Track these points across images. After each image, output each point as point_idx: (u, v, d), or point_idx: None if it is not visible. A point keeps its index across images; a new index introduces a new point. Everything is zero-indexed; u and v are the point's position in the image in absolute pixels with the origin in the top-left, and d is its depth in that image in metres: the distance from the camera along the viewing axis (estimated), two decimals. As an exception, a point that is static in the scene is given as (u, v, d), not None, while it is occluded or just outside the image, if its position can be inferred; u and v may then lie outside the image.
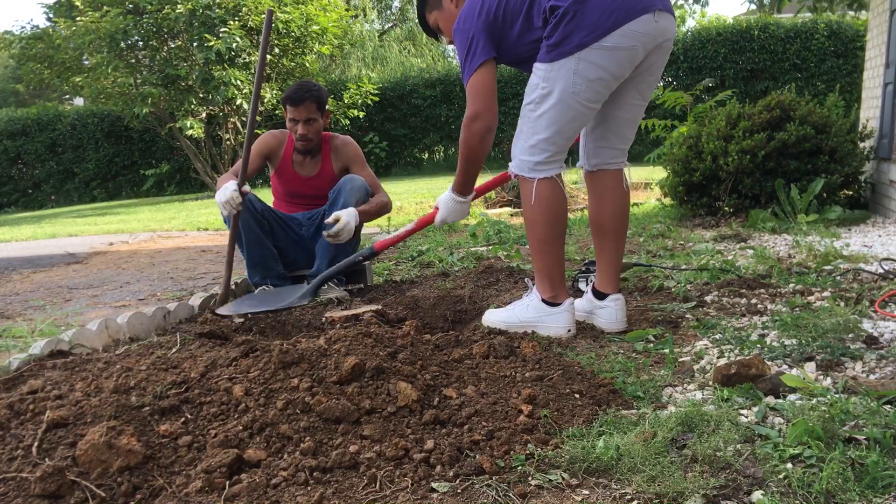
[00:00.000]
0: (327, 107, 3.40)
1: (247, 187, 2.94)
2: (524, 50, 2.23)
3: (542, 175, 2.22)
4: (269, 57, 11.14)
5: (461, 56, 2.26)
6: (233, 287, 3.26)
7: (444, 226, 5.45)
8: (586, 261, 3.25)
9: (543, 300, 2.30)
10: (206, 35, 10.15)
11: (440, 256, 4.00)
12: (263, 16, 10.56)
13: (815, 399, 1.57)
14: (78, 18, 10.41)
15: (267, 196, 3.58)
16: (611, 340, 2.25)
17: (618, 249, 2.42)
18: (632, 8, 2.06)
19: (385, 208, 3.35)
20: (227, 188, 2.89)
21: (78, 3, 10.50)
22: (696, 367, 1.91)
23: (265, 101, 11.32)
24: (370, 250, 2.80)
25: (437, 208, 2.56)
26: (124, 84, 10.93)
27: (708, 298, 2.66)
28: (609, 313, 2.36)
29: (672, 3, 2.23)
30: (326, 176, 3.42)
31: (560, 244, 2.29)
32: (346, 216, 3.04)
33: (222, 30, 10.20)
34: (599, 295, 2.40)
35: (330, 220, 3.04)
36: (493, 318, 2.39)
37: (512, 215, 6.51)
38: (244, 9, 10.51)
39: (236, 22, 10.30)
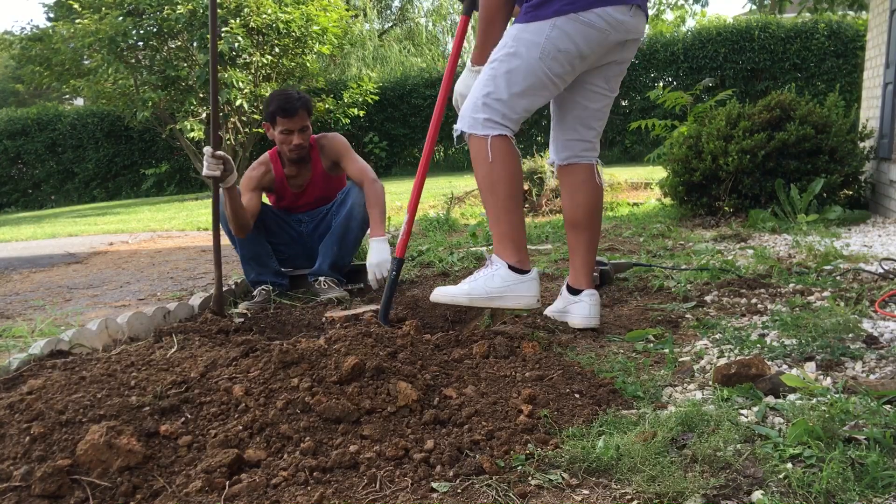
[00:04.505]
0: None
1: (220, 152, 2.63)
2: None
3: (496, 132, 2.14)
4: (269, 57, 11.14)
5: None
6: (233, 287, 3.27)
7: (445, 225, 5.48)
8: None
9: (511, 266, 2.17)
10: (208, 37, 10.14)
11: (440, 256, 4.00)
12: (265, 17, 10.60)
13: (815, 399, 1.57)
14: (77, 21, 10.41)
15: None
16: (611, 340, 2.24)
17: (591, 245, 2.40)
18: None
19: (382, 197, 3.22)
20: (204, 159, 2.63)
21: (76, 6, 10.49)
22: (696, 367, 1.91)
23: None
24: (398, 263, 2.50)
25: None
26: (124, 85, 10.93)
27: (708, 298, 2.66)
28: (582, 308, 2.33)
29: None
30: (318, 178, 3.36)
31: (520, 204, 2.22)
32: (378, 268, 2.98)
33: (224, 30, 10.19)
34: (573, 291, 2.39)
35: (374, 281, 3.02)
36: (451, 292, 2.20)
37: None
38: (246, 9, 10.50)
39: (238, 21, 10.28)
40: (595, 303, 2.34)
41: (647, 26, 2.21)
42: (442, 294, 2.23)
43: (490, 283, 2.16)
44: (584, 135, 2.35)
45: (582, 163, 2.37)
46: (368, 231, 3.19)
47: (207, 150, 2.61)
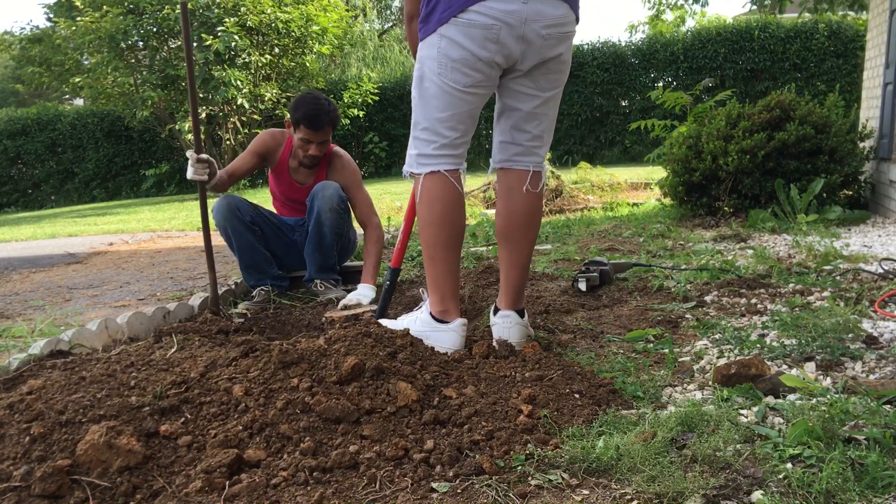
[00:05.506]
0: None
1: (205, 155, 2.73)
2: None
3: (429, 169, 2.04)
4: (269, 57, 11.15)
5: None
6: (232, 287, 3.27)
7: None
8: (587, 261, 3.25)
9: (432, 315, 2.09)
10: (204, 35, 10.15)
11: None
12: (263, 16, 10.60)
13: (814, 399, 1.57)
14: (78, 18, 10.42)
15: (262, 198, 3.58)
16: (611, 340, 2.25)
17: (514, 260, 2.15)
18: None
19: (381, 244, 3.22)
20: (188, 165, 2.70)
21: (78, 3, 10.52)
22: (695, 367, 1.92)
23: (265, 100, 11.35)
24: (393, 273, 2.56)
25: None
26: (124, 84, 10.94)
27: (708, 298, 2.66)
28: (496, 330, 2.13)
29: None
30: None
31: (452, 252, 2.06)
32: (360, 298, 2.91)
33: (219, 28, 10.20)
34: (496, 310, 2.19)
35: (348, 303, 2.91)
36: (389, 324, 2.16)
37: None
38: (243, 8, 10.51)
39: (233, 20, 10.29)
40: (509, 325, 2.12)
41: (575, 15, 2.04)
42: (385, 322, 2.19)
43: (414, 325, 2.09)
44: (518, 138, 2.15)
45: (515, 168, 2.16)
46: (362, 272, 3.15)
47: (191, 153, 2.67)
